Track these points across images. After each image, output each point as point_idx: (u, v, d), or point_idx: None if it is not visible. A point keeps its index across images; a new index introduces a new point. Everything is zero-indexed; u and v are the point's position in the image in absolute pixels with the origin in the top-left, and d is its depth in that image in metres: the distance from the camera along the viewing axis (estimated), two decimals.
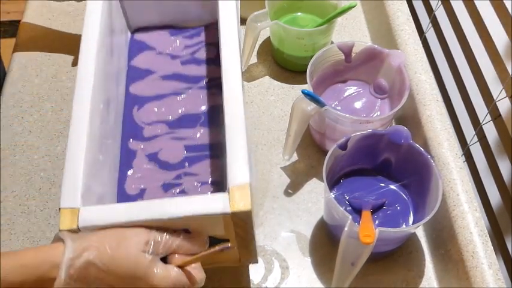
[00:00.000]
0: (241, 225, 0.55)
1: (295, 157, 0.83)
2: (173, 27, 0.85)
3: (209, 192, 0.68)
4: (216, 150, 0.72)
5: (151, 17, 0.84)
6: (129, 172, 0.71)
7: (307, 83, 0.77)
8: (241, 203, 0.53)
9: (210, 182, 0.69)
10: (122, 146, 0.73)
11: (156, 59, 0.81)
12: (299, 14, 0.96)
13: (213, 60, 0.81)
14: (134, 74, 0.80)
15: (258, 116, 0.88)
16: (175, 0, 0.82)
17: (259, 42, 0.97)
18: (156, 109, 0.76)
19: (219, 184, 0.69)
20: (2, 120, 0.86)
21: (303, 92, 0.72)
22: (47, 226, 0.75)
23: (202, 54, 0.82)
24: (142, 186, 0.70)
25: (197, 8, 0.83)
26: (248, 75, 0.93)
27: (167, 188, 0.69)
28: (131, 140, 0.73)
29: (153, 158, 0.72)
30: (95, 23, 0.68)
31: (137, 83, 0.78)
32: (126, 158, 0.72)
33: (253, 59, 0.95)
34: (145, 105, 0.76)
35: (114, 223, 0.53)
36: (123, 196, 0.69)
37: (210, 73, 0.80)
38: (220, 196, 0.54)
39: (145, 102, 0.77)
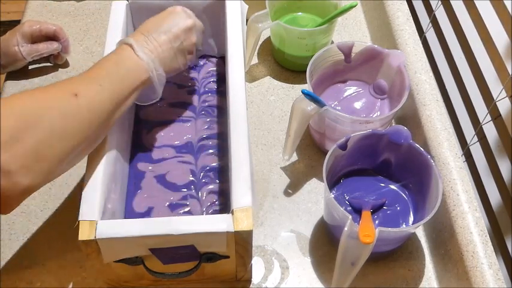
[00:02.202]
0: (242, 244, 0.61)
1: (295, 157, 0.83)
2: None
3: (213, 213, 0.73)
4: (220, 174, 0.76)
5: None
6: (138, 191, 0.75)
7: (307, 83, 0.77)
8: (244, 223, 0.59)
9: (213, 204, 0.74)
10: (131, 166, 0.77)
11: (165, 87, 0.85)
12: (299, 14, 0.96)
13: (219, 91, 0.86)
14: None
15: (258, 116, 0.88)
16: None
17: (259, 42, 0.97)
18: (163, 134, 0.80)
19: (222, 205, 0.73)
20: None
21: (303, 92, 0.72)
22: (47, 226, 0.75)
23: (208, 85, 0.87)
24: (149, 205, 0.73)
25: (205, 41, 0.88)
26: (249, 75, 0.93)
27: (173, 208, 0.73)
28: (140, 161, 0.78)
29: (160, 179, 0.76)
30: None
31: (146, 108, 0.83)
32: (135, 178, 0.76)
33: (254, 59, 0.95)
34: (154, 130, 0.81)
35: (128, 236, 0.58)
36: (130, 213, 0.73)
37: (214, 102, 0.85)
38: (225, 217, 0.60)
39: (153, 126, 0.81)
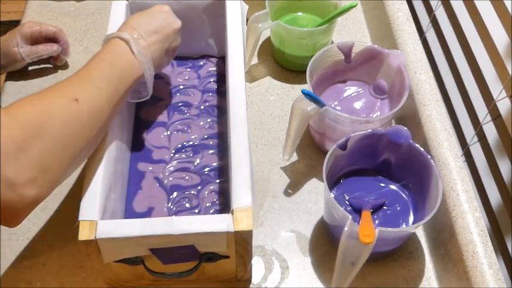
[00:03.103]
0: (242, 244, 0.61)
1: (295, 157, 0.83)
2: (181, 58, 0.90)
3: (213, 213, 0.74)
4: (221, 174, 0.77)
5: None
6: (138, 191, 0.75)
7: (307, 83, 0.77)
8: (244, 223, 0.59)
9: (214, 204, 0.74)
10: (131, 166, 0.77)
11: (165, 87, 0.87)
12: (299, 14, 0.96)
13: (219, 91, 0.86)
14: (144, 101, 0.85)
15: (258, 116, 0.88)
16: (187, 34, 0.87)
17: (259, 42, 0.97)
18: (163, 134, 0.81)
19: (222, 205, 0.74)
20: None
21: (303, 92, 0.72)
22: (47, 226, 0.75)
23: (208, 85, 0.87)
24: (149, 205, 0.74)
25: (205, 41, 0.89)
26: (249, 75, 0.93)
27: (173, 208, 0.73)
28: (140, 161, 0.78)
29: (160, 179, 0.76)
30: None
31: (146, 108, 0.83)
32: (135, 178, 0.76)
33: (254, 59, 0.95)
34: (154, 130, 0.81)
35: (128, 236, 0.58)
36: (130, 213, 0.73)
37: (214, 102, 0.85)
38: (225, 216, 0.60)
39: (154, 127, 0.81)
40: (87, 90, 0.58)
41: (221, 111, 0.83)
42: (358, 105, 0.84)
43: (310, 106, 0.73)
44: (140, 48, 0.66)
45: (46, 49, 0.89)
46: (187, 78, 0.88)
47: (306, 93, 0.72)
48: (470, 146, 0.87)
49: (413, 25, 0.91)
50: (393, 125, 0.80)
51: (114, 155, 0.67)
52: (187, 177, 0.76)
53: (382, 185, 0.76)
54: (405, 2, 0.95)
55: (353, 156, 0.73)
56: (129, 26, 0.68)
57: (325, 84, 0.85)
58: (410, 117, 0.82)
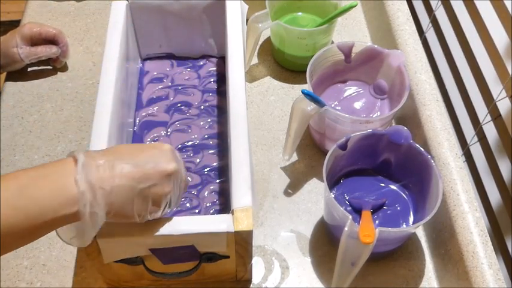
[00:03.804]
0: (242, 244, 0.61)
1: (295, 157, 0.83)
2: (181, 58, 0.91)
3: (213, 213, 0.74)
4: (221, 174, 0.77)
5: (161, 48, 0.90)
6: None
7: (307, 83, 0.77)
8: (244, 223, 0.59)
9: (214, 204, 0.74)
10: None
11: (165, 87, 0.87)
12: (299, 14, 0.96)
13: (219, 91, 0.86)
14: (143, 101, 0.86)
15: (258, 116, 0.88)
16: (186, 34, 0.88)
17: (259, 42, 0.97)
18: (163, 134, 0.81)
19: (222, 205, 0.74)
20: (2, 120, 0.86)
21: (303, 92, 0.72)
22: None
23: (208, 85, 0.87)
24: None
25: (205, 41, 0.89)
26: (249, 75, 0.93)
27: (174, 208, 0.72)
28: None
29: None
30: (114, 52, 0.73)
31: (146, 108, 0.83)
32: None
33: (254, 59, 0.95)
34: (154, 130, 0.81)
35: (129, 236, 0.58)
36: None
37: (214, 102, 0.85)
38: (225, 217, 0.60)
39: (153, 126, 0.82)
40: (6, 205, 0.45)
41: (221, 111, 0.83)
42: (358, 105, 0.84)
43: (310, 106, 0.73)
44: (93, 176, 0.49)
45: (45, 51, 0.88)
46: (187, 78, 0.88)
47: (306, 93, 0.72)
48: (470, 146, 0.87)
49: (413, 25, 0.91)
50: (393, 125, 0.80)
51: None
52: (187, 177, 0.76)
53: (382, 185, 0.76)
54: (405, 2, 0.95)
55: (353, 156, 0.73)
56: (106, 150, 0.54)
57: (325, 84, 0.85)
58: (410, 117, 0.82)
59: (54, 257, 0.72)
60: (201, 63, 0.90)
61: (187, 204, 0.74)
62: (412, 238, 0.75)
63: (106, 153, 0.52)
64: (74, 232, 0.51)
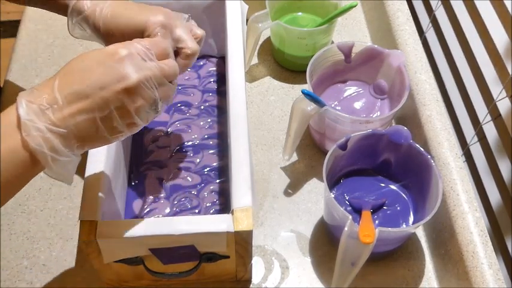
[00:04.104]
0: (242, 244, 0.61)
1: (295, 157, 0.83)
2: None
3: (213, 213, 0.74)
4: (221, 174, 0.77)
5: None
6: (138, 192, 0.75)
7: (307, 83, 0.77)
8: (244, 223, 0.59)
9: (214, 204, 0.74)
10: (131, 166, 0.77)
11: None
12: (299, 14, 0.96)
13: (219, 91, 0.86)
14: None
15: (258, 116, 0.88)
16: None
17: (259, 42, 0.97)
18: (163, 134, 0.81)
19: (222, 205, 0.74)
20: None
21: (303, 92, 0.72)
22: (47, 226, 0.75)
23: (208, 85, 0.87)
24: (150, 206, 0.74)
25: (205, 41, 0.88)
26: (249, 75, 0.93)
27: (174, 208, 0.74)
28: (141, 161, 0.78)
29: (160, 180, 0.76)
30: None
31: None
32: (135, 178, 0.76)
33: (254, 59, 0.95)
34: (154, 130, 0.81)
35: (128, 236, 0.58)
36: (130, 213, 0.73)
37: (214, 102, 0.85)
38: (225, 217, 0.60)
39: (154, 127, 0.82)
40: None
41: (221, 111, 0.83)
42: (358, 105, 0.84)
43: (310, 106, 0.73)
44: (41, 124, 0.44)
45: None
46: (187, 78, 0.88)
47: (306, 93, 0.72)
48: (470, 146, 0.87)
49: (413, 25, 0.91)
50: (393, 125, 0.80)
51: (114, 156, 0.67)
52: (187, 177, 0.76)
53: (382, 185, 0.76)
54: (405, 2, 0.95)
55: (353, 156, 0.73)
56: (56, 77, 0.47)
57: (325, 84, 0.85)
58: (410, 117, 0.82)
59: (54, 257, 0.72)
60: (201, 63, 0.90)
61: (188, 205, 0.74)
62: (412, 238, 0.75)
63: (61, 85, 0.46)
64: (53, 173, 0.47)
